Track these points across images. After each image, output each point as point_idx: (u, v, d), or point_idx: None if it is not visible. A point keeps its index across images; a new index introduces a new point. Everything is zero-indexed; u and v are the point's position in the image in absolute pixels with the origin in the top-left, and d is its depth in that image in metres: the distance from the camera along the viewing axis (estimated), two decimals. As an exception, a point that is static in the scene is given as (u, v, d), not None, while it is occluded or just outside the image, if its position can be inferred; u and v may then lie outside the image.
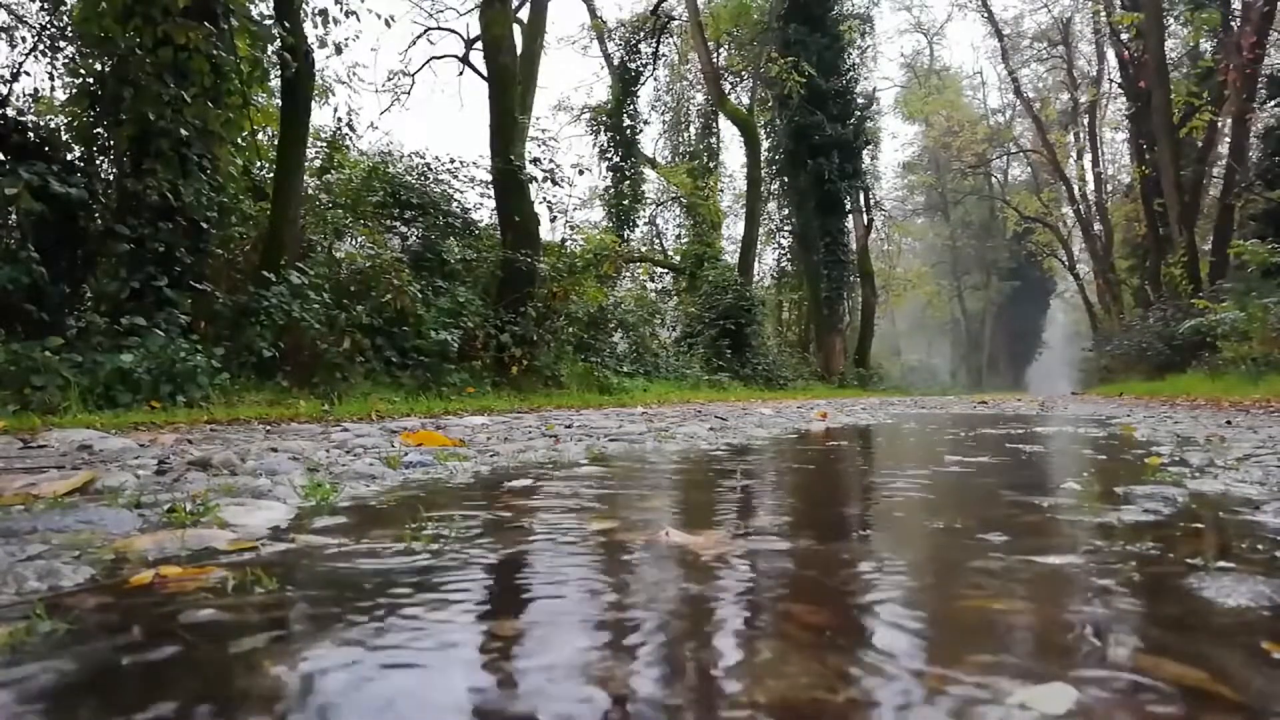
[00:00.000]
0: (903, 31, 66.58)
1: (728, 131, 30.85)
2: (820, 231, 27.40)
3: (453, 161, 14.62)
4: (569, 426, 5.54)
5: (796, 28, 26.02)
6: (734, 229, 32.00)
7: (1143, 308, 25.69)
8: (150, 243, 7.54)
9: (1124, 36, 25.35)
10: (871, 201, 32.25)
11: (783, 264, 31.97)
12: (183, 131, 7.79)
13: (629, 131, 27.59)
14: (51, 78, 8.85)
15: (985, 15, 35.62)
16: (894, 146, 62.92)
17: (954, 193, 50.78)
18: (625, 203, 26.88)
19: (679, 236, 29.89)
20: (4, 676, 0.84)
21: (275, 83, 10.55)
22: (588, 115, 28.16)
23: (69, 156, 7.95)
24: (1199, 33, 23.42)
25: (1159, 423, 5.97)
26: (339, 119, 14.31)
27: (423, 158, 14.45)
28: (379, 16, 11.15)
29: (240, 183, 10.05)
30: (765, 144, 28.04)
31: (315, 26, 9.76)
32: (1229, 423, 5.71)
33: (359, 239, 12.04)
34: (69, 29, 8.53)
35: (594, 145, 27.49)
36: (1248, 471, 2.58)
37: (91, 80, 8.00)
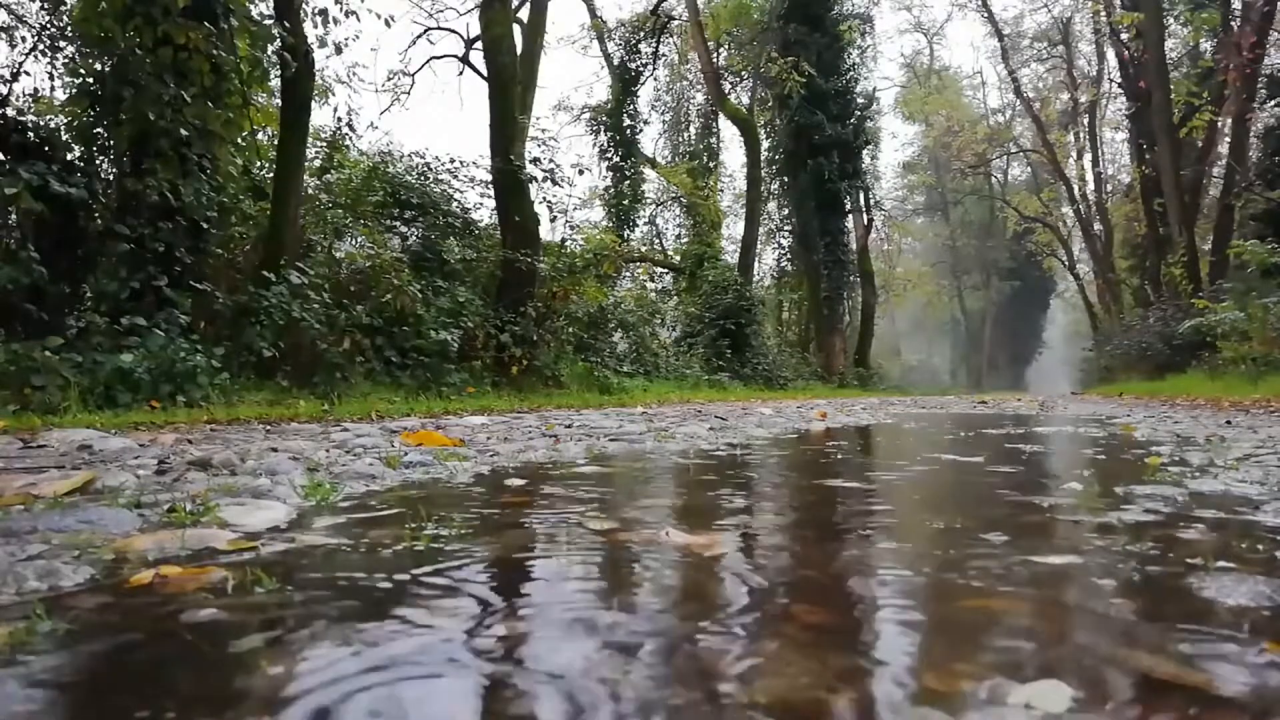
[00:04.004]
0: (903, 31, 66.44)
1: (728, 131, 30.88)
2: (820, 231, 27.40)
3: (453, 161, 14.62)
4: (569, 426, 5.53)
5: (796, 27, 26.00)
6: (734, 229, 32.03)
7: (1143, 308, 25.68)
8: (150, 243, 7.53)
9: (1124, 36, 25.32)
10: (871, 201, 32.23)
11: (783, 264, 31.97)
12: (183, 131, 7.78)
13: (629, 131, 27.58)
14: (51, 78, 8.84)
15: (985, 15, 35.58)
16: (894, 146, 62.86)
17: (954, 193, 50.75)
18: (625, 203, 26.87)
19: (679, 236, 29.90)
20: (4, 676, 0.84)
21: (275, 83, 10.54)
22: (588, 115, 28.16)
23: (69, 156, 7.93)
24: (1199, 33, 23.42)
25: (1159, 423, 5.97)
26: (339, 119, 14.31)
27: (423, 158, 14.45)
28: (379, 16, 11.15)
29: (240, 183, 10.04)
30: (765, 144, 28.03)
31: (315, 26, 9.76)
32: (1229, 423, 5.71)
33: (359, 239, 12.02)
34: (69, 29, 8.51)
35: (594, 145, 27.51)
36: (1248, 471, 2.58)
37: (91, 80, 7.99)
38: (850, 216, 29.97)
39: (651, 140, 32.30)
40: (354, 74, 18.98)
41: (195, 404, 6.59)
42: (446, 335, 10.50)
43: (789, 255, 31.07)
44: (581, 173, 17.90)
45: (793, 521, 1.90)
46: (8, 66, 8.40)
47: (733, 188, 33.42)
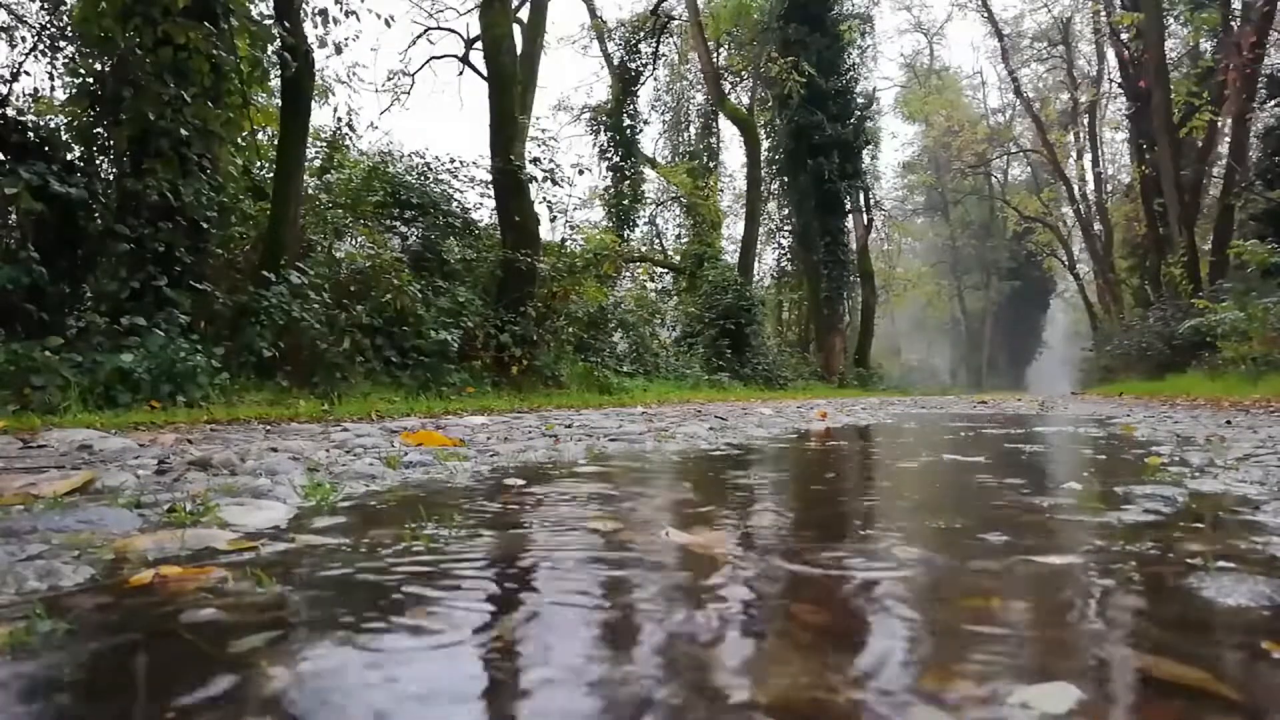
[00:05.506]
0: (903, 31, 66.43)
1: (728, 131, 30.89)
2: (820, 231, 27.42)
3: (453, 161, 14.63)
4: (569, 426, 5.53)
5: (796, 27, 26.02)
6: (734, 229, 32.02)
7: (1143, 308, 25.69)
8: (150, 243, 7.53)
9: (1124, 36, 25.32)
10: (871, 201, 32.26)
11: (783, 264, 31.99)
12: (183, 131, 7.78)
13: (629, 131, 27.58)
14: (51, 78, 8.84)
15: (985, 15, 35.54)
16: (894, 146, 62.63)
17: (954, 193, 50.76)
18: (625, 203, 26.87)
19: (679, 236, 29.90)
20: (4, 675, 0.84)
21: (275, 83, 10.54)
22: (588, 115, 28.15)
23: (69, 156, 7.93)
24: (1199, 33, 23.42)
25: (1159, 423, 5.97)
26: (339, 119, 14.30)
27: (423, 158, 14.46)
28: (379, 16, 11.15)
29: (240, 183, 10.04)
30: (765, 144, 28.03)
31: (315, 26, 9.76)
32: (1229, 423, 5.71)
33: (359, 239, 12.03)
34: (69, 29, 8.51)
35: (594, 145, 27.51)
36: (1247, 471, 2.58)
37: (91, 80, 7.99)
38: (850, 216, 30.00)
39: (651, 140, 32.35)
40: (354, 74, 19.00)
41: (195, 404, 6.59)
42: (446, 335, 10.50)
43: (789, 255, 31.09)
44: (581, 173, 17.93)
45: (793, 521, 1.90)
46: (8, 66, 8.40)
47: (733, 188, 33.47)
